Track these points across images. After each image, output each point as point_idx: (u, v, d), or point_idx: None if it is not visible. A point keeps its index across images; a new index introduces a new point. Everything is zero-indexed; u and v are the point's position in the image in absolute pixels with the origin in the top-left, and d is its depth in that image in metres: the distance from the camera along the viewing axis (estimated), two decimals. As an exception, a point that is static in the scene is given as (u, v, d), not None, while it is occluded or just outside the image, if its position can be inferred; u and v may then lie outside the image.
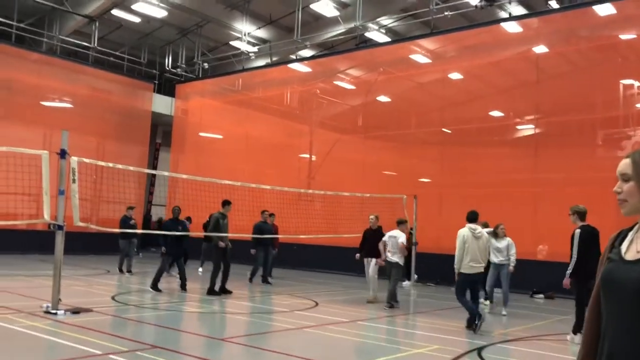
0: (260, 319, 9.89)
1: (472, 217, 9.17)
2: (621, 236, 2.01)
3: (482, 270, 9.09)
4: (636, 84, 15.18)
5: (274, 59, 24.22)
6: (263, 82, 23.47)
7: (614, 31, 15.42)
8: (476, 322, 8.62)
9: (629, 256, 1.92)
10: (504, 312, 10.73)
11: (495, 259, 10.67)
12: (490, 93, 17.87)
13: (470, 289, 9.04)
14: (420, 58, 19.26)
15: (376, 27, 21.04)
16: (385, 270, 11.35)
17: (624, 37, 15.48)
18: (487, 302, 11.42)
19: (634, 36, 15.34)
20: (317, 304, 11.31)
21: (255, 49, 24.08)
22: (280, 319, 9.76)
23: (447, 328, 9.01)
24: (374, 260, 11.78)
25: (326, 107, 22.03)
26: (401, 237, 11.18)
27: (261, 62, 24.65)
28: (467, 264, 8.83)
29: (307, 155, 21.58)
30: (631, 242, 1.96)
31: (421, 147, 19.16)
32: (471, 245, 8.86)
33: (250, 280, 14.48)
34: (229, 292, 11.96)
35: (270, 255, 14.71)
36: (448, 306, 11.49)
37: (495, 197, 15.55)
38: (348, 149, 20.12)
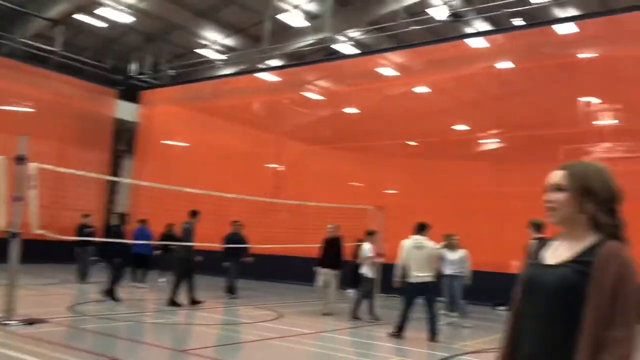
0: (223, 331, 9.72)
1: (418, 228, 9.29)
2: (544, 244, 2.15)
3: (429, 279, 9.01)
4: (596, 101, 15.62)
5: (242, 67, 24.11)
6: (230, 90, 23.31)
7: (576, 49, 15.86)
8: (396, 332, 8.86)
9: (551, 261, 2.05)
10: (465, 324, 10.80)
11: (448, 270, 10.76)
12: (455, 107, 18.12)
13: (424, 299, 9.05)
14: (387, 71, 19.43)
15: (344, 39, 21.18)
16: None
17: (585, 55, 15.93)
18: (454, 313, 11.46)
19: (595, 55, 15.80)
20: (281, 315, 11.19)
21: (223, 57, 23.94)
22: (243, 330, 9.61)
23: (410, 339, 9.01)
24: (330, 270, 11.57)
25: (294, 117, 22.01)
26: (366, 248, 11.18)
27: (228, 71, 24.51)
28: (412, 274, 8.94)
29: (274, 165, 21.49)
30: (556, 250, 2.08)
31: (387, 159, 19.28)
32: (413, 255, 8.95)
33: (232, 292, 13.92)
34: (200, 302, 11.72)
35: (238, 267, 14.42)
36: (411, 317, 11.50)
37: (459, 209, 15.72)
38: (315, 160, 20.11)
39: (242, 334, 9.33)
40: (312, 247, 14.55)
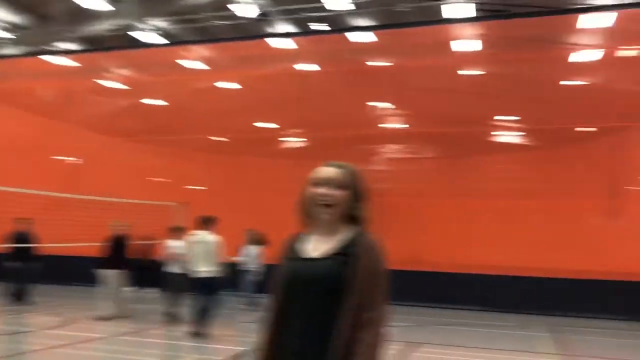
0: (3, 342, 8.64)
1: (202, 222, 9.17)
2: (298, 239, 2.23)
3: (212, 275, 8.79)
4: (387, 106, 17.07)
5: (31, 48, 21.71)
6: (16, 72, 20.86)
7: (371, 57, 17.10)
8: (195, 330, 8.63)
9: (315, 254, 2.13)
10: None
11: (242, 265, 10.98)
12: (260, 104, 18.41)
13: (204, 293, 8.82)
14: (194, 64, 19.02)
15: (148, 27, 20.26)
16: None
17: (377, 63, 17.27)
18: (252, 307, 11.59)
19: (386, 64, 17.21)
20: (72, 321, 10.32)
21: (9, 35, 21.32)
22: (27, 340, 8.66)
23: (212, 336, 8.92)
24: (113, 271, 10.72)
25: (92, 106, 20.45)
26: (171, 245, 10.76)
27: (15, 51, 21.91)
28: (195, 269, 8.85)
29: (67, 158, 19.76)
30: (308, 244, 2.18)
31: (193, 154, 18.91)
32: (195, 250, 8.88)
33: (20, 299, 12.25)
34: None
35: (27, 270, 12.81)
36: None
37: (263, 205, 16.01)
38: (117, 153, 18.92)
39: (25, 344, 8.41)
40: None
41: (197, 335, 8.64)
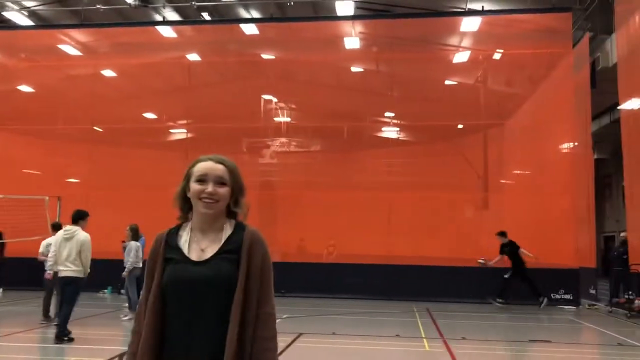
0: None
1: (74, 217, 8.69)
2: (174, 236, 2.15)
3: (75, 274, 8.27)
4: (274, 99, 17.12)
5: None
6: None
7: (257, 49, 17.06)
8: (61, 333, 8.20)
9: (194, 256, 2.08)
10: (123, 317, 10.52)
11: (125, 262, 10.62)
12: (144, 94, 17.78)
13: (64, 293, 8.41)
14: (70, 49, 17.90)
15: (17, 8, 18.75)
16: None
17: (265, 56, 17.27)
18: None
19: (273, 57, 17.25)
20: None
21: None
22: None
23: (80, 338, 8.52)
24: None
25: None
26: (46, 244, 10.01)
27: None
28: (59, 267, 8.40)
29: None
30: (189, 242, 2.11)
31: (69, 145, 17.83)
32: (62, 247, 8.40)
33: None
34: None
35: None
36: (91, 314, 10.92)
37: (148, 199, 15.44)
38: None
39: None
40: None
41: (59, 338, 8.10)
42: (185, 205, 2.17)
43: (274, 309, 2.08)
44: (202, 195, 2.09)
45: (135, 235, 10.91)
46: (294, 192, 16.19)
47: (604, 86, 14.59)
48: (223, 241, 2.10)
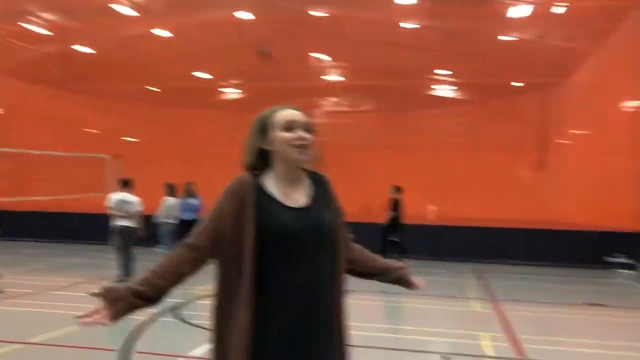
0: None
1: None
2: (256, 184, 2.02)
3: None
4: (326, 58, 16.92)
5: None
6: None
7: (308, 6, 16.80)
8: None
9: (293, 203, 2.02)
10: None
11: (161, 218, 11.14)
12: (197, 54, 17.90)
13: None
14: (125, 9, 18.14)
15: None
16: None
17: (316, 13, 17.01)
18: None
19: (326, 14, 16.98)
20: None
21: None
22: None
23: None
24: None
25: (12, 52, 19.26)
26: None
27: None
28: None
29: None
30: (285, 189, 2.03)
31: (126, 105, 18.28)
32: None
33: None
34: None
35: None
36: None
37: (199, 157, 15.79)
38: (42, 102, 18.02)
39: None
40: (39, 200, 13.25)
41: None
42: (259, 159, 2.08)
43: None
44: (296, 142, 2.01)
45: (169, 191, 11.18)
46: (346, 152, 16.13)
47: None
48: (309, 190, 2.10)
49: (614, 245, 13.32)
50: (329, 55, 16.82)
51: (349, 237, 2.21)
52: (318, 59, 16.74)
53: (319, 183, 2.11)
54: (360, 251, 2.30)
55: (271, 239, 1.93)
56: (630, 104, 14.49)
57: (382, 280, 2.36)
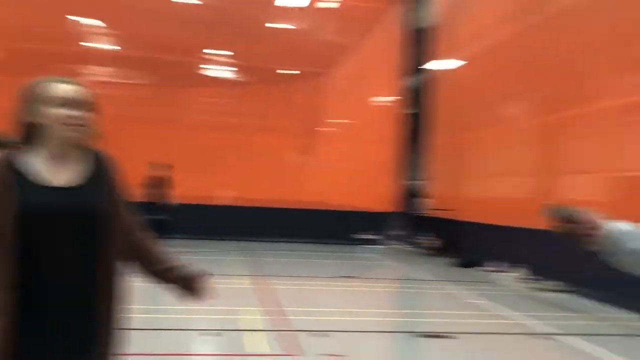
0: None
1: None
2: (18, 162, 1.82)
3: None
4: (93, 22, 15.57)
5: None
6: None
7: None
8: None
9: (60, 182, 1.83)
10: None
11: None
12: None
13: None
14: None
15: None
16: None
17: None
18: None
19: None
20: None
21: None
22: None
23: None
24: None
25: None
26: None
27: None
28: None
29: None
30: (50, 167, 1.84)
31: None
32: None
33: None
34: None
35: None
36: None
37: None
38: None
39: None
40: None
41: None
42: (27, 134, 1.86)
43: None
44: (69, 120, 1.83)
45: None
46: (111, 125, 15.08)
47: (422, 44, 15.61)
48: (83, 168, 1.90)
49: (365, 223, 14.89)
50: (95, 19, 15.53)
51: (134, 222, 2.02)
52: (82, 22, 15.36)
53: (99, 162, 1.94)
54: (149, 245, 2.07)
55: (25, 221, 1.75)
56: (385, 99, 16.28)
57: (166, 282, 2.14)
